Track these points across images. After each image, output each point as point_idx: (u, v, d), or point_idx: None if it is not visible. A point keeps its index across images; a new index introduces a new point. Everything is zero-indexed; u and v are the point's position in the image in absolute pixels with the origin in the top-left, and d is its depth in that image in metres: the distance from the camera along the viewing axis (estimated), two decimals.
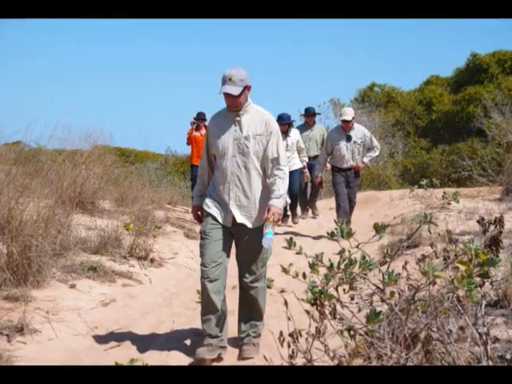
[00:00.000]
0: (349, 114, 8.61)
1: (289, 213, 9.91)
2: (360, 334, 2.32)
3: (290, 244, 2.51)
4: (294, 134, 9.60)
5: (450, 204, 9.13)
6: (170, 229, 8.29)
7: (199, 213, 4.30)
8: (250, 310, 4.28)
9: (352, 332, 2.27)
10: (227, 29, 67.74)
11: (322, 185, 9.29)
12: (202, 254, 4.07)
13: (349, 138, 8.63)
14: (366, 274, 2.47)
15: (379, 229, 2.43)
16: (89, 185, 7.70)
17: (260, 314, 4.30)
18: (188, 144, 11.49)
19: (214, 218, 4.09)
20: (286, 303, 2.37)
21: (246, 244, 4.10)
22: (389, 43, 53.22)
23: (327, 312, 2.30)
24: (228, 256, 4.13)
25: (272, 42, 63.43)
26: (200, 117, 11.30)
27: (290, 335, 2.37)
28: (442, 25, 51.32)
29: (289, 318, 2.35)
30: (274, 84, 59.51)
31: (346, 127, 8.63)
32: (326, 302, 2.31)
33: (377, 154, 8.97)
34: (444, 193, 9.56)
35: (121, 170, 10.01)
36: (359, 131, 8.73)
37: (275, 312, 5.03)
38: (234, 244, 4.22)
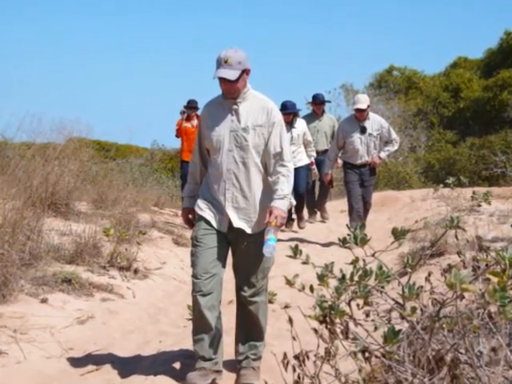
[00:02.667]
0: (363, 101, 8.58)
1: (294, 216, 9.93)
2: (376, 357, 2.33)
3: (296, 252, 2.51)
4: (300, 124, 9.55)
5: (480, 206, 9.14)
6: (156, 234, 8.30)
7: (190, 216, 4.30)
8: (250, 329, 4.28)
9: (367, 354, 2.27)
10: (227, 2, 67.68)
11: (333, 184, 9.28)
12: (193, 264, 4.06)
13: (363, 130, 8.58)
14: (383, 287, 2.47)
15: (399, 234, 2.43)
16: (63, 184, 7.71)
17: (261, 333, 4.30)
18: (177, 137, 11.47)
19: (208, 223, 4.09)
20: (290, 320, 2.37)
21: (245, 252, 4.10)
22: (409, 20, 53.24)
23: (338, 331, 2.30)
24: (224, 266, 4.13)
25: (273, 18, 63.48)
26: (191, 105, 11.26)
27: (296, 357, 2.37)
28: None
29: (294, 338, 2.35)
30: (276, 68, 59.56)
31: (360, 117, 8.60)
32: (337, 319, 2.31)
33: (395, 147, 8.92)
34: (473, 193, 9.58)
35: (100, 166, 10.04)
36: (375, 122, 8.69)
37: (278, 331, 5.03)
38: (230, 252, 4.22)
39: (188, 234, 8.86)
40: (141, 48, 71.57)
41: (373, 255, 2.48)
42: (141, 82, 62.41)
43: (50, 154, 7.56)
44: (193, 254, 4.09)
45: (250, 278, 4.14)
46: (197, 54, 65.06)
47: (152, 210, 9.72)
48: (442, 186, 12.35)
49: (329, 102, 12.69)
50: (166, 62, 66.92)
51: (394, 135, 8.81)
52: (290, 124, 9.13)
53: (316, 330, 2.33)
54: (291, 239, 8.92)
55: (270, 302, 5.64)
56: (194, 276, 4.03)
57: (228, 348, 4.32)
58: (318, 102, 10.43)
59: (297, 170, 8.61)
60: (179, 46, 68.49)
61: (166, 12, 72.08)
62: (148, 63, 67.29)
